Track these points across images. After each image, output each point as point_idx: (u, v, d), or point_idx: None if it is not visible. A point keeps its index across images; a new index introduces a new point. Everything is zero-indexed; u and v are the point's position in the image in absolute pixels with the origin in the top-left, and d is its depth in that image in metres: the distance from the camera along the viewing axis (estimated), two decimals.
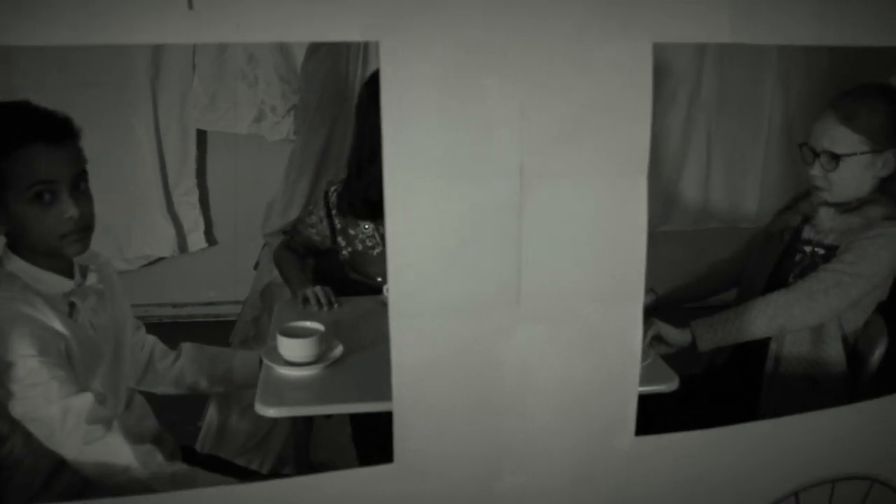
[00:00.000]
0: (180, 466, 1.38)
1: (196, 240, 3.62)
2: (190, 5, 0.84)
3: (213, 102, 3.38)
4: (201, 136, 3.49)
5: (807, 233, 1.80)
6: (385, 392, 1.31)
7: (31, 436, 1.32)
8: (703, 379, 1.96)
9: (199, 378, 1.67)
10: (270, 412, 1.37)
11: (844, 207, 1.72)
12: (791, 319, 1.67)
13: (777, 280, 1.82)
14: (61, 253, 1.36)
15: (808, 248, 1.77)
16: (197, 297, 3.75)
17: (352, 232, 1.97)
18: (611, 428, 1.13)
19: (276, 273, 2.36)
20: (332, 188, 2.00)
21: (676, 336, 1.68)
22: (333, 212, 1.97)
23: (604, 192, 1.01)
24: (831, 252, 1.72)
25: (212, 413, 2.33)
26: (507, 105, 0.94)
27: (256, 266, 2.63)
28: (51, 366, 1.28)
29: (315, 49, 2.53)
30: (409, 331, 0.99)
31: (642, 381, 1.27)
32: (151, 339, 1.66)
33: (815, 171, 1.72)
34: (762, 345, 1.76)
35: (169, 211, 3.51)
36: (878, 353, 1.75)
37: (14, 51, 3.04)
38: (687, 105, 3.30)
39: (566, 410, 1.10)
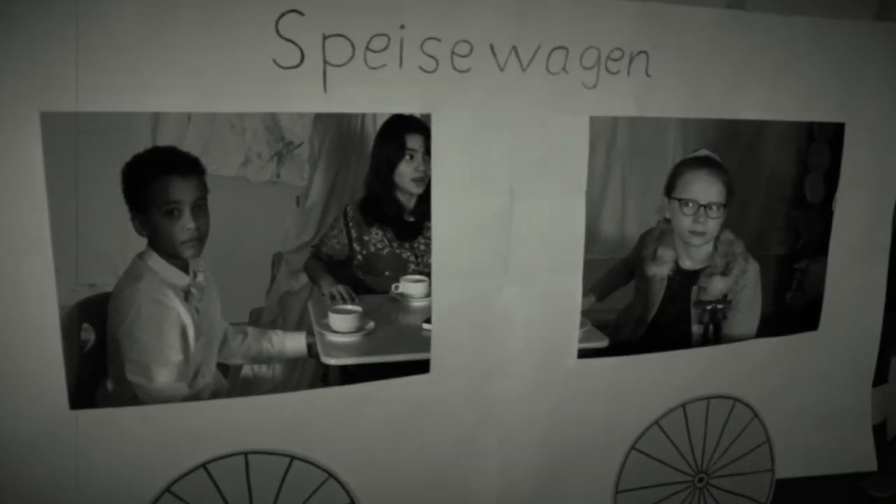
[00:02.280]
0: None
1: None
2: (324, 89, 1.42)
3: (206, 148, 3.77)
4: None
5: (700, 296, 2.25)
6: (401, 350, 1.91)
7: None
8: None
9: (260, 352, 2.18)
10: (332, 361, 1.97)
11: (723, 272, 2.24)
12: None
13: (680, 317, 2.28)
14: (181, 255, 1.87)
15: (709, 307, 2.25)
16: None
17: (365, 238, 2.50)
18: (561, 353, 1.74)
19: (291, 283, 2.87)
20: (349, 207, 2.53)
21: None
22: (350, 224, 2.51)
23: (559, 204, 1.64)
24: (726, 302, 2.24)
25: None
26: (502, 151, 1.57)
27: (273, 280, 3.10)
28: (165, 348, 1.77)
29: None
30: (444, 285, 1.59)
31: (584, 340, 1.87)
32: (225, 323, 2.16)
33: (699, 219, 2.15)
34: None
35: None
36: None
37: None
38: (605, 153, 3.93)
39: (532, 340, 1.70)
